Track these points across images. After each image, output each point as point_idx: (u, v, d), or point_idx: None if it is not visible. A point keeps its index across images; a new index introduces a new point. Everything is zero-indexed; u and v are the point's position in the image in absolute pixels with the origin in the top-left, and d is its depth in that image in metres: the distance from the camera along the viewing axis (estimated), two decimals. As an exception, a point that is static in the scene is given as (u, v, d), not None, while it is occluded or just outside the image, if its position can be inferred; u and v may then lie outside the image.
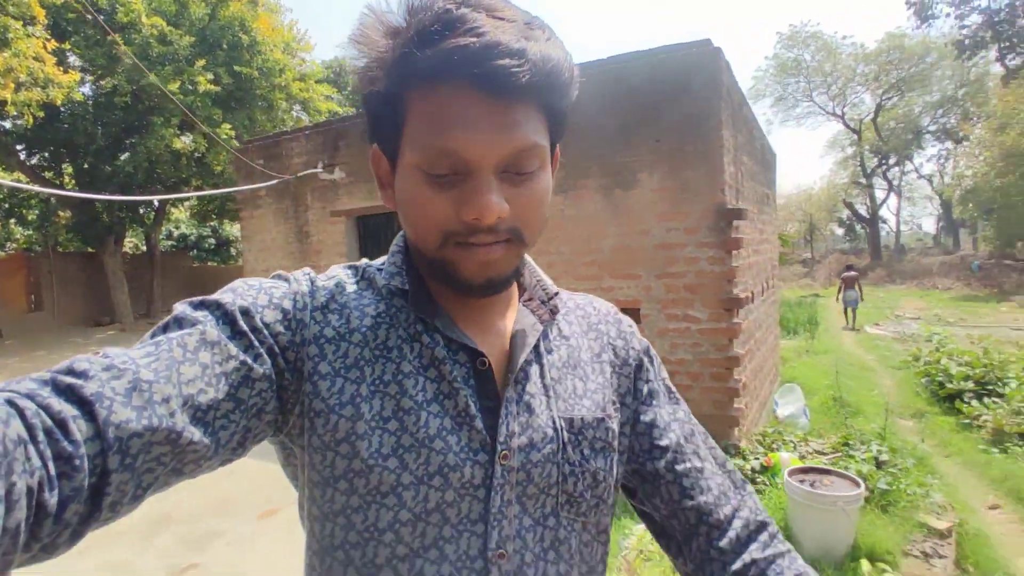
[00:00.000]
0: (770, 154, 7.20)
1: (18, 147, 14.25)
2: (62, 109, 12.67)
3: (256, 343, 0.54)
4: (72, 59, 12.84)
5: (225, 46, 13.48)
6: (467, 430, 0.59)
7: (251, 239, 6.72)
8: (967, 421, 5.75)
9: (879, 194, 35.07)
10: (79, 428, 0.42)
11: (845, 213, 37.28)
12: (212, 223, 23.86)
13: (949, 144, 30.82)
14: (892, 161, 32.88)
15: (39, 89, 9.75)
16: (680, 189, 4.07)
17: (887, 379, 8.16)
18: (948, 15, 26.89)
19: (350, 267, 0.69)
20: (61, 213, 16.84)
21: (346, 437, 0.57)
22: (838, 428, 4.95)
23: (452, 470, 0.57)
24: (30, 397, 0.42)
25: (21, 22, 9.54)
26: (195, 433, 0.48)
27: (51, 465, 0.39)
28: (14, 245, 19.72)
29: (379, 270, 0.67)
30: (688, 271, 4.08)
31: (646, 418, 0.70)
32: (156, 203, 16.65)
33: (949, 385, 6.56)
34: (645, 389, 0.72)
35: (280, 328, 0.57)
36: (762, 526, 0.68)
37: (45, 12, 10.25)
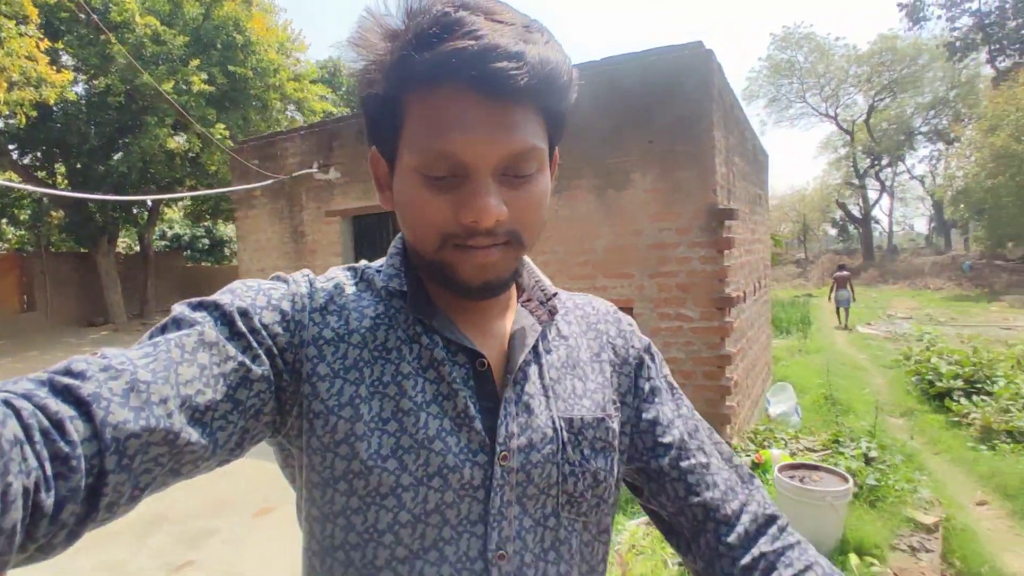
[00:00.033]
0: (762, 155, 7.26)
1: (10, 147, 14.18)
2: (55, 108, 12.63)
3: (254, 344, 0.55)
4: (65, 58, 12.80)
5: (219, 46, 13.46)
6: (466, 431, 0.59)
7: (246, 239, 6.73)
8: (956, 419, 5.81)
9: (872, 195, 35.32)
10: (76, 429, 0.42)
11: (838, 214, 37.49)
12: (206, 223, 23.78)
13: (941, 145, 31.10)
14: (884, 162, 33.11)
15: (32, 88, 9.71)
16: (672, 190, 4.12)
17: (878, 378, 8.24)
18: (939, 17, 27.16)
19: (349, 269, 0.68)
20: (54, 213, 16.78)
21: (345, 438, 0.57)
22: (829, 426, 5.01)
23: (451, 471, 0.57)
24: (27, 397, 0.41)
25: (14, 21, 9.51)
26: (193, 434, 0.48)
27: (48, 466, 0.39)
28: (6, 245, 19.63)
29: (378, 272, 0.67)
30: (680, 270, 4.12)
31: (648, 416, 0.70)
32: (150, 203, 16.61)
33: (939, 384, 6.64)
34: (647, 387, 0.71)
35: (279, 329, 0.57)
36: (771, 519, 0.67)
37: (38, 11, 10.21)
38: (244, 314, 0.55)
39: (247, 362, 0.53)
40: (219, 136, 11.58)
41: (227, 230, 25.78)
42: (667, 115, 4.08)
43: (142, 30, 12.13)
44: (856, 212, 34.78)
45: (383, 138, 0.60)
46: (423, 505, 0.57)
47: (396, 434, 0.57)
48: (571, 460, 0.63)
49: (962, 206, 24.09)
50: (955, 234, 34.15)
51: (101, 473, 0.42)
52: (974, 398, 5.97)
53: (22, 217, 17.42)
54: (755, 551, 0.64)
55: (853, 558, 2.87)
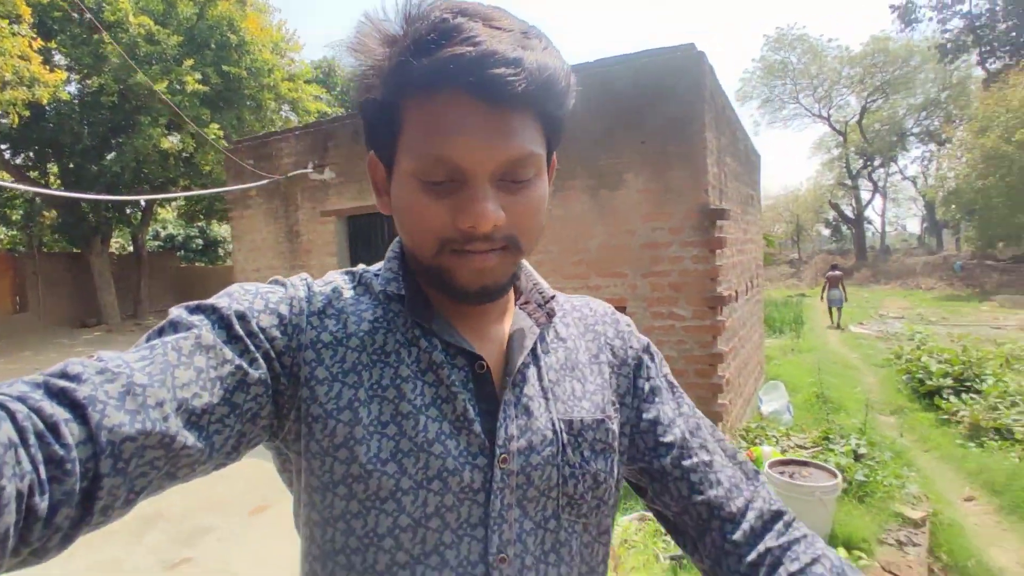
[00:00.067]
0: (754, 155, 7.32)
1: (2, 146, 14.13)
2: (48, 108, 12.58)
3: (252, 347, 0.54)
4: (58, 58, 12.75)
5: (213, 46, 13.43)
6: (466, 434, 0.59)
7: (241, 239, 6.73)
8: (945, 417, 5.89)
9: (864, 195, 35.58)
10: (71, 432, 0.41)
11: (831, 214, 37.73)
12: (200, 223, 23.72)
13: (933, 146, 31.33)
14: (877, 163, 33.35)
15: (25, 88, 9.69)
16: (665, 190, 4.16)
17: (870, 377, 8.32)
18: (931, 19, 27.48)
19: (347, 273, 0.68)
20: (46, 213, 16.72)
21: (344, 442, 0.56)
22: (820, 424, 5.06)
23: (451, 474, 0.57)
24: (22, 400, 0.41)
25: (7, 20, 9.48)
26: (189, 437, 0.48)
27: (42, 469, 0.39)
28: (-2, 245, 19.52)
29: (375, 275, 0.67)
30: (673, 270, 4.16)
31: (649, 415, 0.69)
32: (143, 203, 16.55)
33: (929, 382, 6.72)
34: (646, 387, 0.71)
35: (276, 333, 0.57)
36: (777, 515, 0.66)
37: (31, 11, 10.19)
38: (242, 318, 0.55)
39: (244, 365, 0.53)
40: (213, 136, 11.56)
41: (221, 230, 25.73)
42: (659, 116, 4.12)
43: (136, 29, 12.10)
44: (849, 212, 35.02)
45: (381, 143, 0.60)
46: (423, 509, 0.56)
47: (395, 437, 0.57)
48: (571, 462, 0.62)
49: (953, 207, 24.27)
50: (947, 234, 34.42)
51: (96, 477, 0.42)
52: (963, 396, 6.05)
53: (14, 217, 17.34)
54: (761, 547, 0.63)
55: (842, 552, 2.91)
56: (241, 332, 0.54)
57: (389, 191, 0.61)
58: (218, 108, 13.77)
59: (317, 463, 0.57)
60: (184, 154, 14.48)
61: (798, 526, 0.66)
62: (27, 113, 10.35)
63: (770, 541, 0.64)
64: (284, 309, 0.59)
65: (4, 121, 12.13)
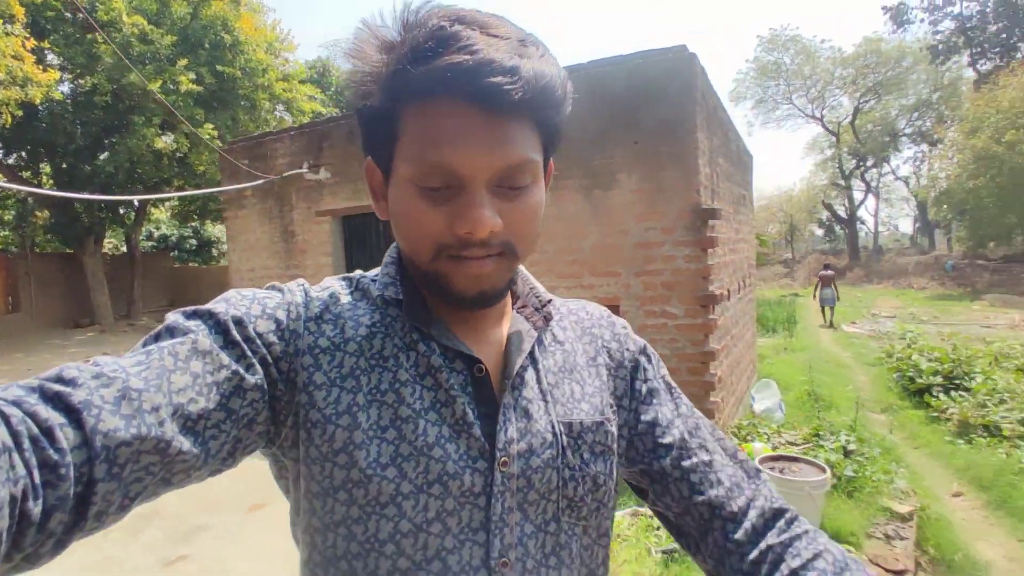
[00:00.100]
0: (746, 156, 7.38)
1: (-5, 146, 14.07)
2: (41, 108, 12.53)
3: (248, 353, 0.54)
4: (51, 57, 12.71)
5: (207, 45, 13.41)
6: (465, 438, 0.59)
7: (236, 239, 6.74)
8: (935, 414, 5.96)
9: (857, 195, 35.76)
10: (66, 436, 0.41)
11: (824, 214, 37.89)
12: (194, 224, 23.65)
13: (924, 147, 31.53)
14: (870, 163, 33.53)
15: (18, 88, 9.66)
16: (657, 190, 4.20)
17: (862, 375, 8.39)
18: (923, 20, 27.70)
19: (344, 278, 0.69)
20: (39, 213, 16.65)
21: (344, 447, 0.56)
22: (811, 421, 5.12)
23: (452, 478, 0.57)
24: (16, 404, 0.41)
25: (1, 20, 9.45)
26: (184, 443, 0.48)
27: (36, 473, 0.39)
28: (-10, 246, 19.41)
29: (373, 281, 0.67)
30: (665, 269, 4.21)
31: (647, 417, 0.69)
32: (136, 203, 16.51)
33: (919, 380, 6.80)
34: (644, 388, 0.71)
35: (273, 338, 0.57)
36: (779, 513, 0.66)
37: (24, 10, 10.15)
38: (239, 323, 0.56)
39: (241, 371, 0.53)
40: (207, 136, 11.55)
41: (215, 230, 25.66)
42: (652, 117, 4.17)
43: (129, 29, 12.07)
44: (842, 213, 35.20)
45: (379, 149, 0.60)
46: (424, 514, 0.56)
47: (395, 442, 0.57)
48: (571, 464, 0.62)
49: (945, 207, 24.43)
50: (939, 234, 34.63)
51: (90, 481, 0.42)
52: (952, 394, 6.12)
53: (6, 218, 17.27)
54: (763, 545, 0.63)
55: (830, 546, 2.96)
56: (238, 337, 0.54)
57: (386, 196, 0.61)
58: (212, 108, 13.75)
59: (317, 468, 0.57)
60: (178, 154, 14.45)
61: (801, 523, 0.66)
62: (20, 113, 10.32)
63: (772, 539, 0.63)
64: (281, 314, 0.59)
65: (-3, 121, 12.08)
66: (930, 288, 22.26)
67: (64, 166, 14.55)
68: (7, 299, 15.58)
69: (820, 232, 43.12)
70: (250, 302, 0.59)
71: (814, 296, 14.50)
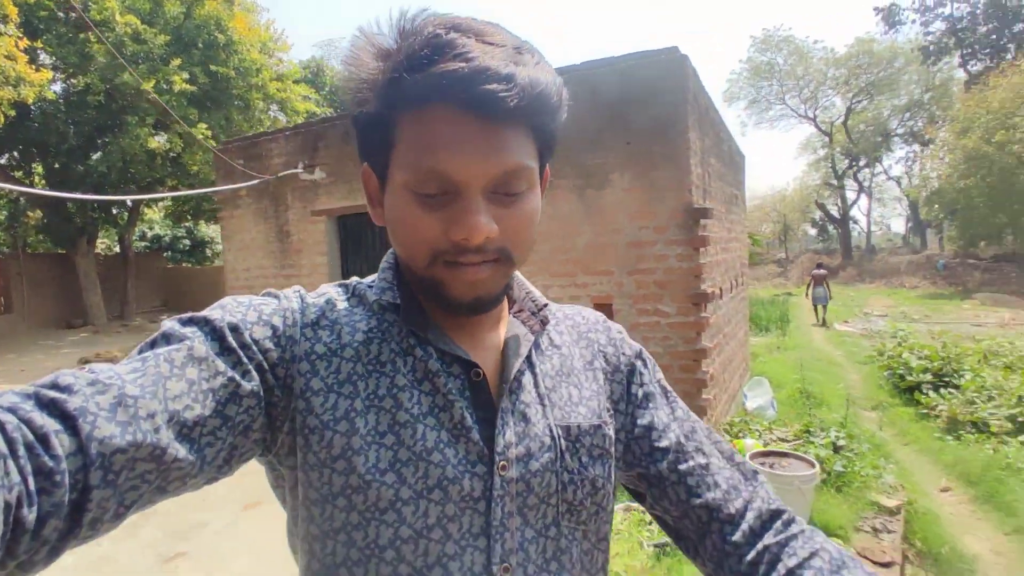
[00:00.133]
0: (738, 156, 7.44)
1: (-13, 146, 14.01)
2: (33, 108, 12.50)
3: (244, 359, 0.54)
4: (43, 57, 12.66)
5: (201, 45, 13.38)
6: (464, 442, 0.59)
7: (231, 239, 6.75)
8: (925, 411, 6.04)
9: (850, 195, 36.00)
10: (61, 443, 0.41)
11: (818, 214, 38.11)
12: (187, 224, 23.59)
13: (916, 147, 31.77)
14: (862, 163, 33.75)
15: (10, 87, 9.63)
16: (650, 189, 4.25)
17: (853, 374, 8.48)
18: (914, 21, 27.88)
19: (340, 285, 0.69)
20: (31, 213, 16.56)
21: (342, 453, 0.56)
22: (802, 418, 5.18)
23: (451, 483, 0.57)
24: (12, 411, 0.41)
25: (-7, 20, 9.43)
26: (180, 450, 0.48)
27: (31, 480, 0.39)
28: (-19, 246, 19.30)
29: (369, 287, 0.67)
30: (658, 268, 4.25)
31: (643, 421, 0.70)
32: (130, 203, 16.45)
33: (909, 378, 6.88)
34: (640, 393, 0.72)
35: (269, 345, 0.57)
36: (776, 514, 0.67)
37: (17, 10, 10.12)
38: (234, 329, 0.55)
39: (237, 377, 0.53)
40: (201, 136, 11.54)
41: (209, 231, 25.61)
42: (644, 117, 4.21)
43: (122, 29, 12.03)
44: (835, 212, 35.42)
45: (375, 155, 0.60)
46: (424, 519, 0.56)
47: (393, 447, 0.57)
48: (570, 468, 0.63)
49: (936, 206, 24.64)
50: (931, 234, 34.87)
51: (85, 488, 0.42)
52: (942, 391, 6.20)
53: (-2, 218, 17.18)
54: (760, 545, 0.63)
55: (819, 539, 3.02)
56: (234, 344, 0.54)
57: (383, 203, 0.62)
58: (206, 108, 13.72)
59: (315, 475, 0.57)
60: (171, 154, 14.41)
61: (798, 523, 0.67)
62: (12, 113, 10.29)
63: (768, 539, 0.64)
64: (278, 321, 0.59)
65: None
66: (922, 287, 22.42)
67: (57, 166, 14.50)
68: (-1, 300, 15.51)
69: (813, 232, 43.35)
70: (246, 308, 0.59)
71: (806, 294, 14.62)
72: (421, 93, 0.53)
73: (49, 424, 0.41)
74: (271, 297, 0.63)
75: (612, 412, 0.69)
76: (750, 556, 0.63)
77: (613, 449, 0.67)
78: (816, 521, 3.17)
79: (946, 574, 3.22)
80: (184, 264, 25.05)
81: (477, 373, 0.62)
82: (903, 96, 30.69)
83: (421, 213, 0.56)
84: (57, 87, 13.58)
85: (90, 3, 11.95)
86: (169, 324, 0.55)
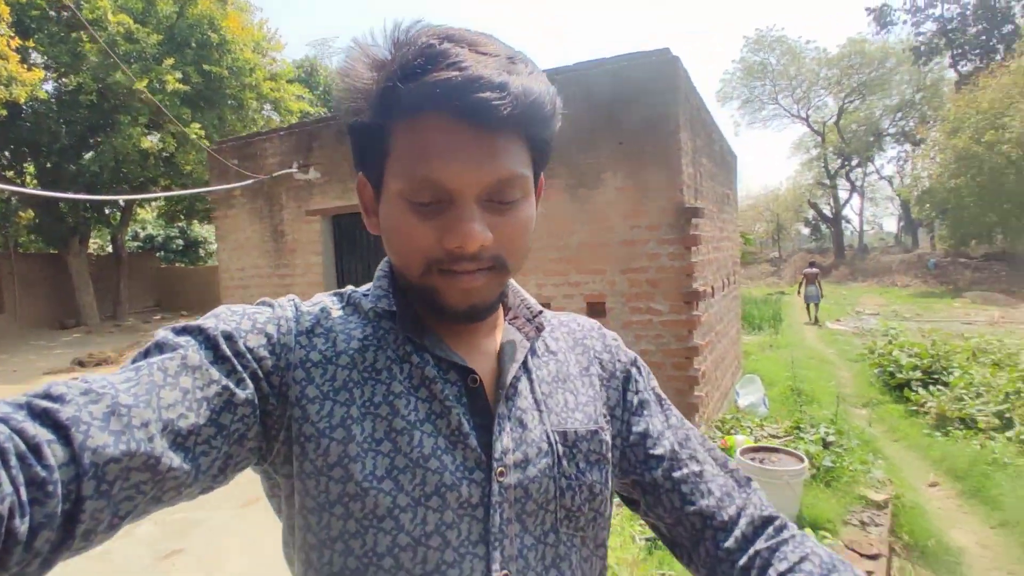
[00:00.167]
0: (730, 156, 7.50)
1: (-22, 146, 13.94)
2: (24, 107, 12.44)
3: (239, 368, 0.54)
4: (35, 56, 12.61)
5: (194, 44, 13.36)
6: (461, 448, 0.59)
7: (226, 238, 6.75)
8: (914, 408, 6.12)
9: (842, 195, 36.22)
10: (54, 453, 0.41)
11: (810, 213, 38.31)
12: (180, 224, 23.51)
13: (908, 146, 31.99)
14: (854, 163, 33.95)
15: (2, 87, 9.60)
16: (642, 189, 4.29)
17: (845, 371, 8.56)
18: (905, 22, 28.19)
19: (335, 294, 0.69)
20: (22, 213, 16.47)
21: (339, 461, 0.56)
22: (793, 415, 5.25)
23: (449, 489, 0.57)
24: (3, 421, 0.41)
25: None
26: (174, 459, 0.47)
27: (23, 491, 0.39)
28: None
29: (364, 295, 0.67)
30: (650, 266, 4.30)
31: (638, 429, 0.70)
32: (122, 203, 16.40)
33: (899, 375, 6.96)
34: (635, 400, 0.72)
35: (264, 353, 0.57)
36: (768, 520, 0.67)
37: (9, 9, 10.08)
38: (228, 338, 0.55)
39: (231, 386, 0.53)
40: (195, 135, 11.52)
41: (202, 230, 25.51)
42: (636, 118, 4.26)
43: (115, 28, 12.00)
44: (828, 212, 35.62)
45: (370, 164, 0.61)
46: (422, 527, 0.56)
47: (390, 454, 0.57)
48: (567, 474, 0.63)
49: (927, 206, 24.79)
50: (922, 233, 35.10)
51: (78, 499, 0.42)
52: (931, 388, 6.27)
53: (-11, 218, 17.05)
54: (751, 551, 0.64)
55: (808, 532, 3.07)
56: (228, 352, 0.54)
57: (377, 212, 0.62)
58: (199, 108, 13.70)
59: (312, 483, 0.57)
60: (164, 154, 14.38)
61: (790, 529, 0.67)
62: (4, 112, 10.25)
63: (759, 544, 0.65)
64: (272, 329, 0.59)
65: (-20, 120, 11.96)
66: (913, 286, 22.61)
67: (48, 165, 14.44)
68: (-10, 300, 15.43)
69: (806, 231, 43.58)
70: (240, 317, 0.59)
71: (798, 292, 14.77)
72: (415, 102, 0.53)
73: (42, 434, 0.41)
74: (265, 306, 0.63)
75: (608, 418, 0.70)
76: (742, 561, 0.64)
77: (610, 455, 0.67)
78: (805, 515, 3.23)
79: (932, 566, 3.28)
80: (177, 264, 24.96)
81: (474, 379, 0.62)
82: (895, 96, 30.91)
83: (415, 222, 0.56)
84: (49, 86, 13.52)
85: (82, 2, 11.91)
86: (163, 333, 0.55)
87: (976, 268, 21.96)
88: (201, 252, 26.35)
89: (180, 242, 25.68)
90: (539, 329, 0.69)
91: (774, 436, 4.50)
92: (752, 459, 3.30)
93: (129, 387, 0.47)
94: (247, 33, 14.61)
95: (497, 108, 0.51)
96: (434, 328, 0.64)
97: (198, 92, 13.51)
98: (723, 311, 5.87)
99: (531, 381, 0.66)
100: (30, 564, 0.40)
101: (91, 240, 18.35)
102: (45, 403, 0.43)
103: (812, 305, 14.04)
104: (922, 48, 26.70)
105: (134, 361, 0.52)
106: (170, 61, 12.30)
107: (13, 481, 0.38)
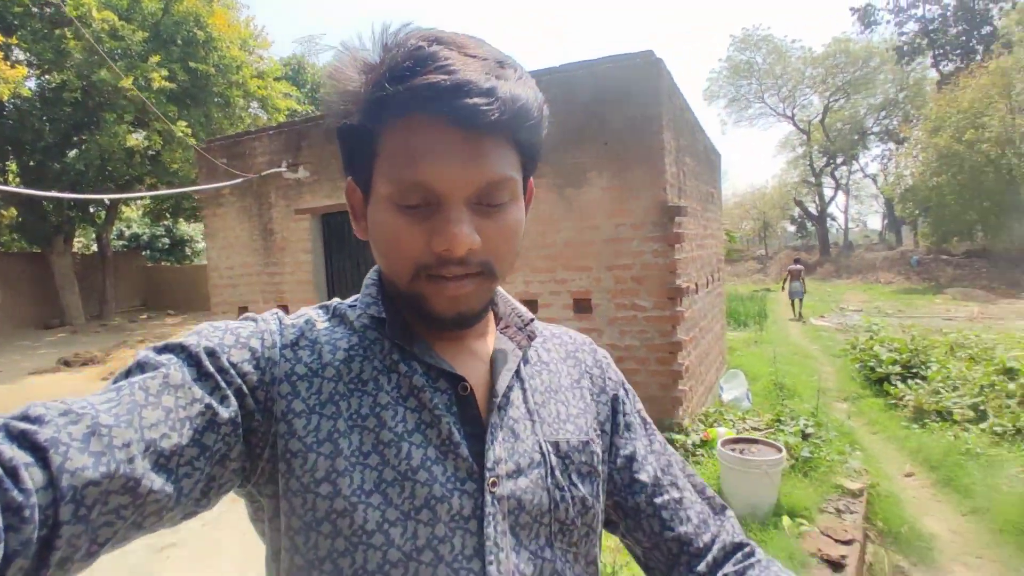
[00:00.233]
0: (714, 155, 7.62)
1: (-41, 144, 13.76)
2: (7, 105, 12.31)
3: (223, 384, 0.53)
4: (17, 53, 12.48)
5: (180, 42, 13.27)
6: (452, 459, 0.57)
7: (214, 237, 6.76)
8: (893, 401, 6.26)
9: (828, 193, 36.63)
10: (31, 476, 0.39)
11: (796, 211, 38.70)
12: (166, 222, 23.33)
13: (892, 145, 32.42)
14: (839, 161, 34.34)
15: (-15, 84, 9.51)
16: (626, 188, 4.39)
17: (827, 367, 8.71)
18: (889, 22, 28.55)
19: (320, 306, 0.68)
20: (5, 212, 16.30)
21: (326, 476, 0.55)
22: (775, 408, 5.37)
23: (439, 502, 0.55)
24: None
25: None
26: (156, 481, 0.46)
27: None
28: (-46, 245, 18.92)
29: (351, 306, 0.67)
30: (635, 263, 4.40)
31: (626, 452, 0.71)
32: (107, 202, 16.24)
33: (879, 370, 7.11)
34: (623, 422, 0.72)
35: (248, 368, 0.56)
36: (739, 547, 0.69)
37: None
38: (211, 354, 0.54)
39: (214, 404, 0.52)
40: (181, 133, 11.46)
41: (188, 229, 25.33)
42: (620, 118, 4.35)
43: (99, 25, 11.90)
44: (813, 209, 36.02)
45: (358, 168, 0.60)
46: (413, 542, 0.54)
47: (378, 467, 0.55)
48: (560, 485, 0.62)
49: (910, 204, 25.12)
50: (906, 230, 35.56)
51: (55, 524, 0.40)
52: (910, 382, 6.42)
53: (-29, 216, 16.86)
54: (719, 575, 0.66)
55: (786, 520, 3.19)
56: (211, 369, 0.53)
57: (366, 216, 0.61)
58: (185, 105, 13.62)
59: (298, 501, 0.55)
60: (150, 152, 14.28)
61: (758, 555, 0.69)
62: (-13, 110, 10.14)
63: (728, 568, 0.66)
64: (256, 343, 0.58)
65: (-39, 118, 11.82)
66: (896, 282, 22.93)
67: (32, 164, 14.27)
68: (-27, 300, 15.23)
69: (792, 229, 44.03)
70: (223, 332, 0.58)
71: (783, 288, 15.00)
72: (403, 104, 0.53)
73: (19, 456, 0.40)
74: (248, 320, 0.62)
75: (599, 432, 0.70)
76: None
77: (601, 468, 0.67)
78: (783, 503, 3.34)
79: (905, 552, 3.40)
80: (163, 263, 24.77)
81: (464, 387, 0.61)
82: (879, 95, 31.29)
83: (404, 225, 0.55)
84: (32, 83, 13.39)
85: (66, -1, 11.80)
86: (144, 353, 0.54)
87: (957, 265, 22.31)
88: (187, 251, 26.17)
89: (166, 241, 25.49)
90: (531, 337, 0.69)
91: (756, 429, 4.62)
92: (732, 450, 3.40)
93: (110, 407, 0.46)
94: (233, 30, 14.52)
95: (485, 113, 0.51)
96: (423, 336, 0.63)
97: (184, 90, 13.42)
98: (707, 307, 5.98)
99: (524, 390, 0.66)
100: None
101: (76, 239, 18.16)
102: (23, 424, 0.42)
103: (796, 301, 14.26)
104: (905, 48, 27.11)
105: (115, 381, 0.51)
106: (156, 58, 12.21)
107: None
